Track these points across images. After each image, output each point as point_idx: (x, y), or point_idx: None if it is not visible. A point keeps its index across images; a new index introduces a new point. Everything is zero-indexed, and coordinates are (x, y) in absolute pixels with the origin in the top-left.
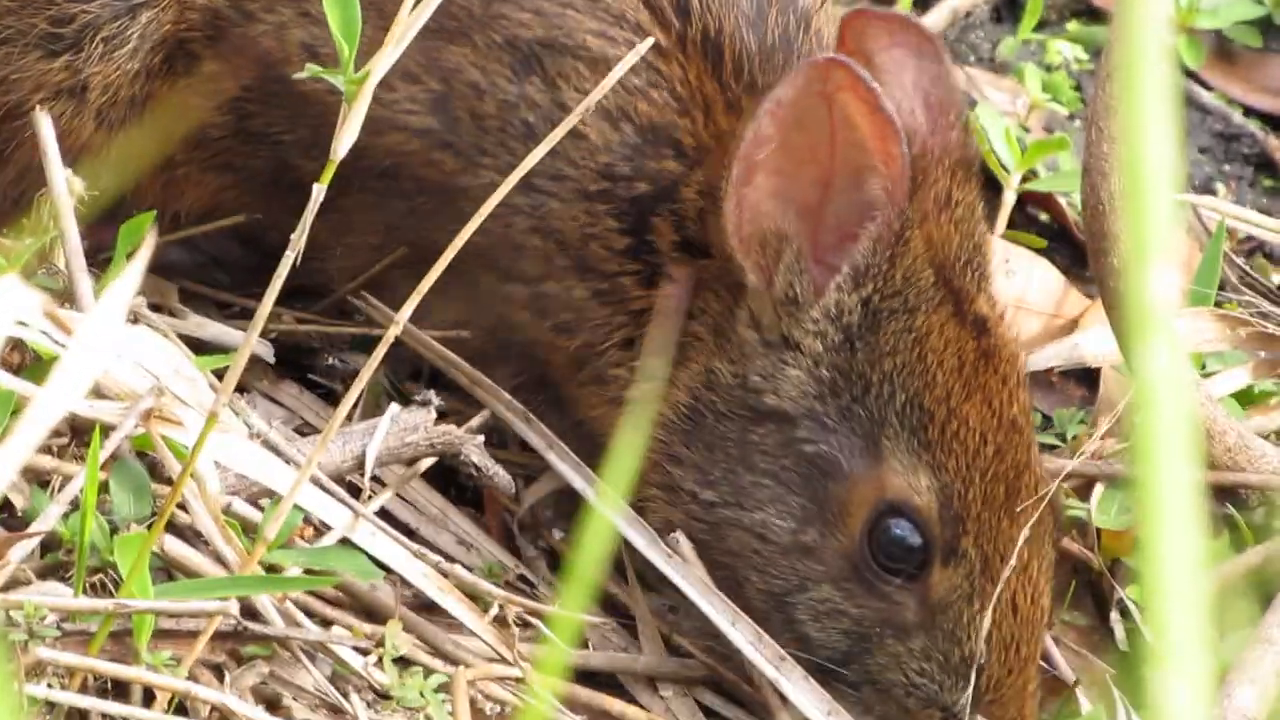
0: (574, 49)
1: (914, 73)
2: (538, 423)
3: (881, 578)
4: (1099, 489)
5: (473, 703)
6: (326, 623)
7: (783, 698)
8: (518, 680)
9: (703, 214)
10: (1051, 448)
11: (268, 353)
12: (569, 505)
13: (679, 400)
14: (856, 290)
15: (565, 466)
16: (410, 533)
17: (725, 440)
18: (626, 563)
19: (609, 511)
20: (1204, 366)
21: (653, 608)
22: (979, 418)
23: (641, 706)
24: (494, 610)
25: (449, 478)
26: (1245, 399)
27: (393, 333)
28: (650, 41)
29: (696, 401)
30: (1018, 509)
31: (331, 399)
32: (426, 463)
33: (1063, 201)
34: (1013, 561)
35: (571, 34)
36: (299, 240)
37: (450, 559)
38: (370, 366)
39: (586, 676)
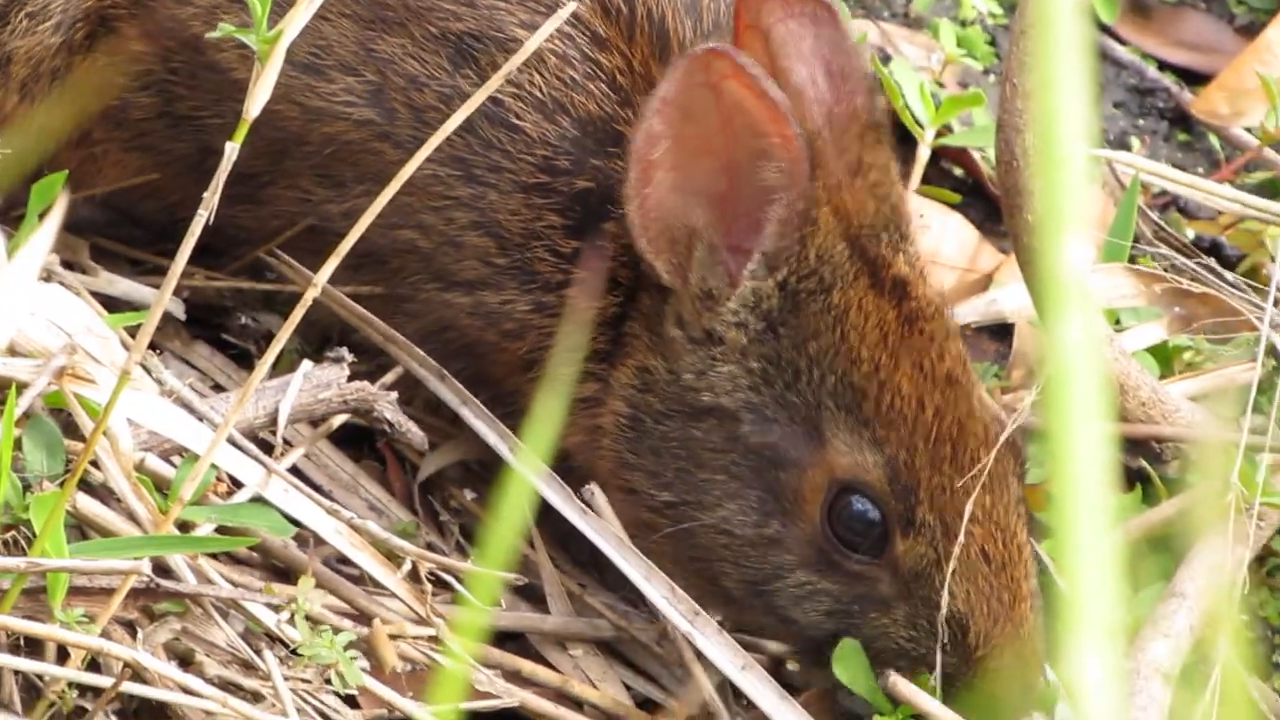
0: (504, 41)
1: (813, 41)
2: (452, 380)
3: (849, 557)
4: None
5: (383, 662)
6: (238, 581)
7: (697, 653)
8: (431, 639)
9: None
10: None
11: (179, 310)
12: (476, 470)
13: (618, 409)
14: (771, 275)
15: (480, 424)
16: (322, 495)
17: (670, 440)
18: (532, 525)
19: (526, 469)
20: (1118, 322)
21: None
22: (912, 384)
23: (551, 666)
24: (406, 567)
25: (360, 443)
26: (1160, 354)
27: (311, 293)
28: (571, 8)
29: (634, 409)
30: (968, 462)
31: (244, 360)
32: (339, 420)
33: (977, 156)
34: (966, 516)
35: (502, 27)
36: (211, 199)
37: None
38: (289, 324)
39: (495, 637)
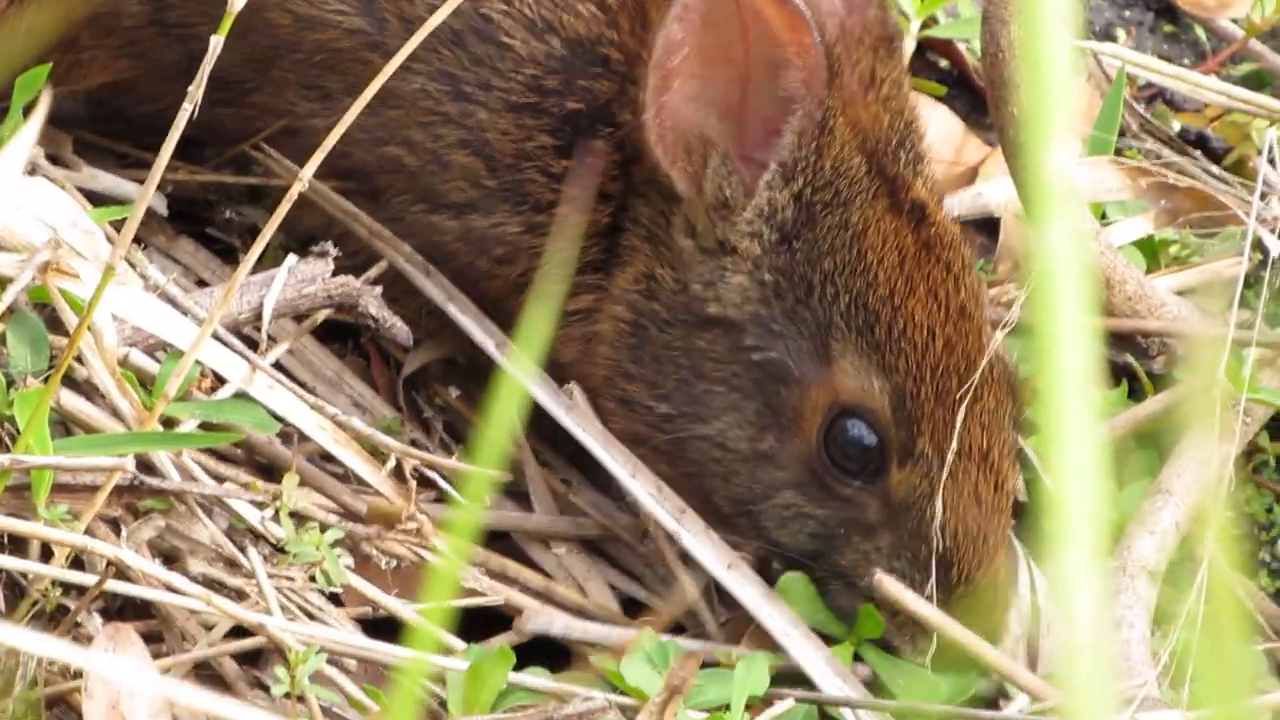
0: None
1: None
2: (438, 274)
3: (841, 480)
4: (998, 337)
5: (367, 558)
6: (223, 478)
7: (682, 553)
8: (416, 533)
9: (636, 130)
10: None
11: (162, 205)
12: (461, 367)
13: (620, 315)
14: (787, 186)
15: (466, 319)
16: (306, 392)
17: (672, 350)
18: (517, 424)
19: (514, 366)
20: (1104, 216)
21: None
22: (925, 312)
23: (535, 564)
24: (391, 464)
25: (344, 339)
26: (1146, 248)
27: (297, 187)
28: None
29: (638, 314)
30: (971, 401)
31: (228, 256)
32: (324, 315)
33: (962, 48)
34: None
35: None
36: (196, 93)
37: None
38: (275, 219)
39: (479, 535)
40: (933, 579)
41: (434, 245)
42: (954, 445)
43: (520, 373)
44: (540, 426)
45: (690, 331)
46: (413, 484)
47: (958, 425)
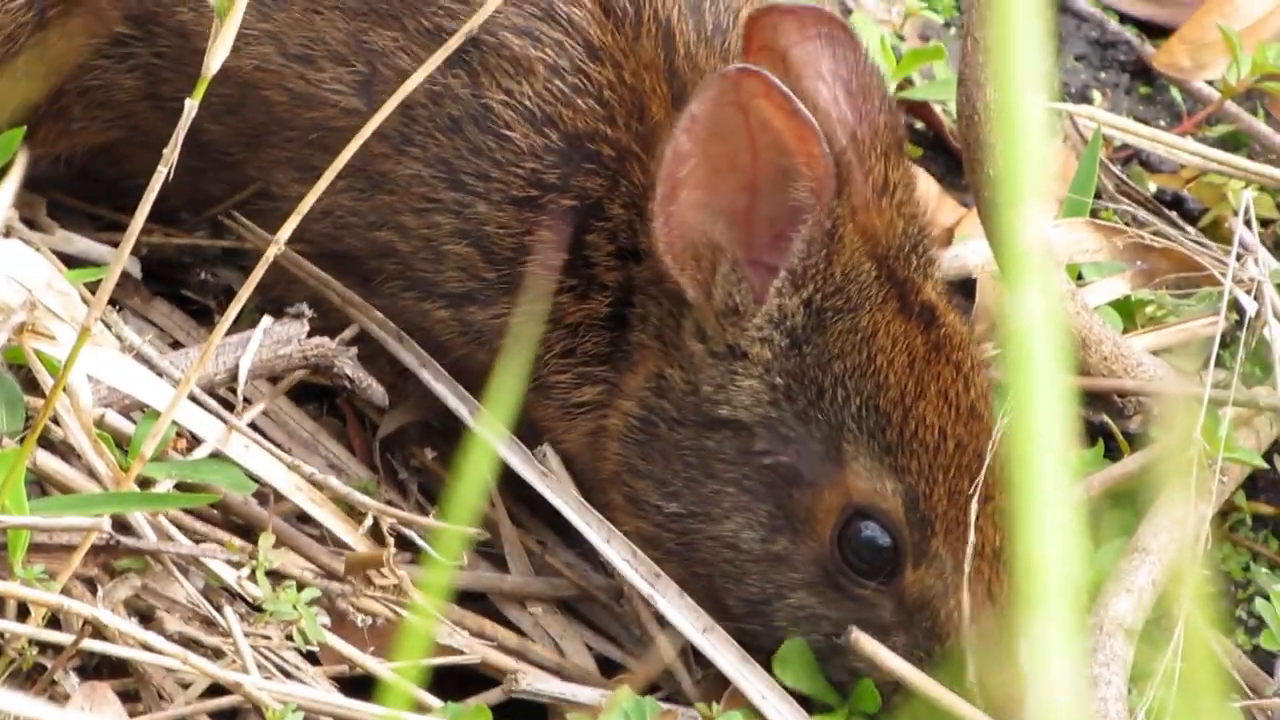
0: (495, 47)
1: (830, 62)
2: (410, 341)
3: (856, 581)
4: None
5: (343, 615)
6: (199, 537)
7: (658, 615)
8: (394, 590)
9: (632, 224)
10: None
11: (136, 268)
12: (437, 429)
13: (630, 410)
14: (797, 293)
15: (440, 386)
16: (282, 452)
17: (682, 449)
18: (492, 484)
19: (486, 431)
20: (1080, 276)
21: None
22: (936, 413)
23: (511, 624)
24: (368, 524)
25: (319, 401)
26: (1122, 308)
27: (273, 250)
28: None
29: (648, 411)
30: (985, 498)
31: (202, 317)
32: (299, 376)
33: (938, 110)
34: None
35: (493, 30)
36: (171, 155)
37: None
38: (251, 280)
39: (454, 597)
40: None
41: (427, 334)
42: (967, 545)
43: (493, 436)
44: (516, 488)
45: (700, 432)
46: (390, 541)
47: (971, 525)
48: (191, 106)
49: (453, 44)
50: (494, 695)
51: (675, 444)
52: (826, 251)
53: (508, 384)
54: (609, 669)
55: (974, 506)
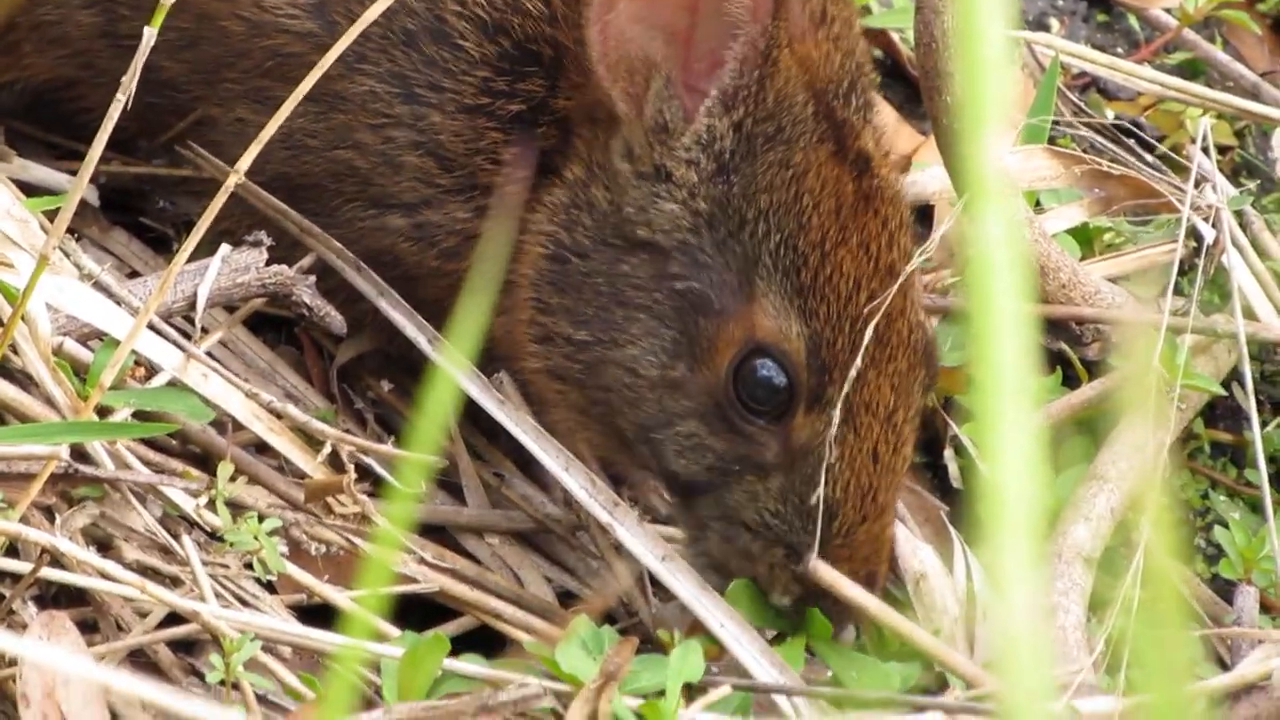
0: None
1: None
2: (368, 270)
3: (745, 417)
4: (933, 324)
5: (297, 544)
6: (157, 466)
7: (615, 545)
8: (355, 517)
9: (571, 109)
10: None
11: (94, 197)
12: (394, 360)
13: (539, 252)
14: (727, 114)
15: (398, 315)
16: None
17: (594, 277)
18: (450, 418)
19: (446, 361)
20: (1038, 203)
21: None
22: (854, 263)
23: (469, 554)
24: (326, 452)
25: (276, 330)
26: (1080, 236)
27: (233, 181)
28: None
29: (559, 247)
30: (885, 358)
31: (160, 246)
32: (257, 304)
33: (896, 38)
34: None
35: None
36: (130, 84)
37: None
38: (210, 210)
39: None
40: (807, 528)
41: (380, 250)
42: (861, 400)
43: (453, 366)
44: (473, 420)
45: (616, 255)
46: (350, 468)
47: (871, 380)
48: (150, 35)
49: None
50: (455, 626)
51: (588, 274)
52: (759, 74)
53: (470, 313)
54: (567, 601)
55: (861, 355)
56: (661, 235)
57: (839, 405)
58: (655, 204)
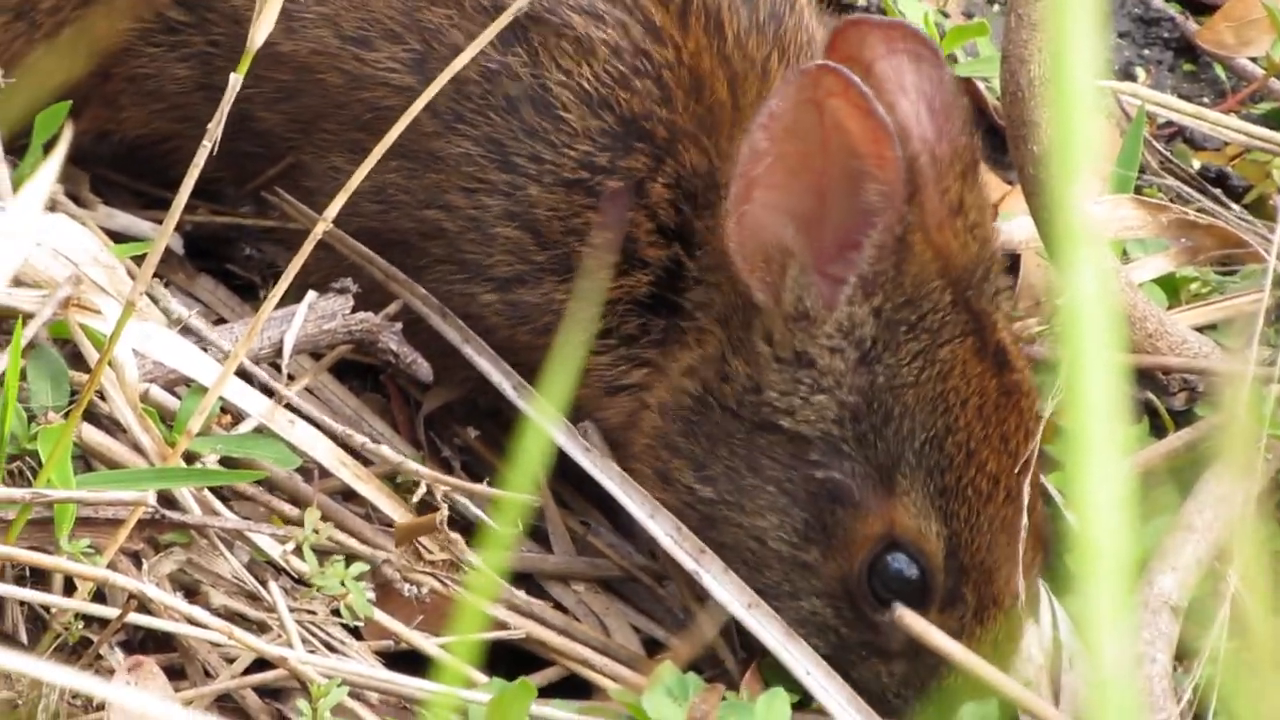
0: (558, 26)
1: (914, 77)
2: (454, 316)
3: (876, 609)
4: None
5: (389, 584)
6: (244, 513)
7: (702, 598)
8: (446, 566)
9: (674, 204)
10: None
11: (179, 245)
12: (478, 410)
13: (685, 387)
14: (867, 300)
15: (483, 361)
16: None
17: (731, 438)
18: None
19: (533, 406)
20: (1125, 253)
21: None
22: (996, 462)
23: (556, 602)
24: (418, 495)
25: (363, 378)
26: (1167, 285)
27: (321, 228)
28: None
29: (706, 392)
30: (1019, 551)
31: (247, 293)
32: (343, 351)
33: (981, 87)
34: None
35: (557, 10)
36: (215, 131)
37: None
38: (299, 258)
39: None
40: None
41: (468, 316)
42: (991, 594)
43: (542, 417)
44: (560, 468)
45: (754, 429)
46: (444, 510)
47: (1000, 574)
48: (236, 80)
49: (504, 20)
50: (541, 676)
51: (725, 432)
52: (896, 259)
53: (562, 365)
54: (653, 649)
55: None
56: (805, 426)
57: (973, 601)
58: (798, 392)
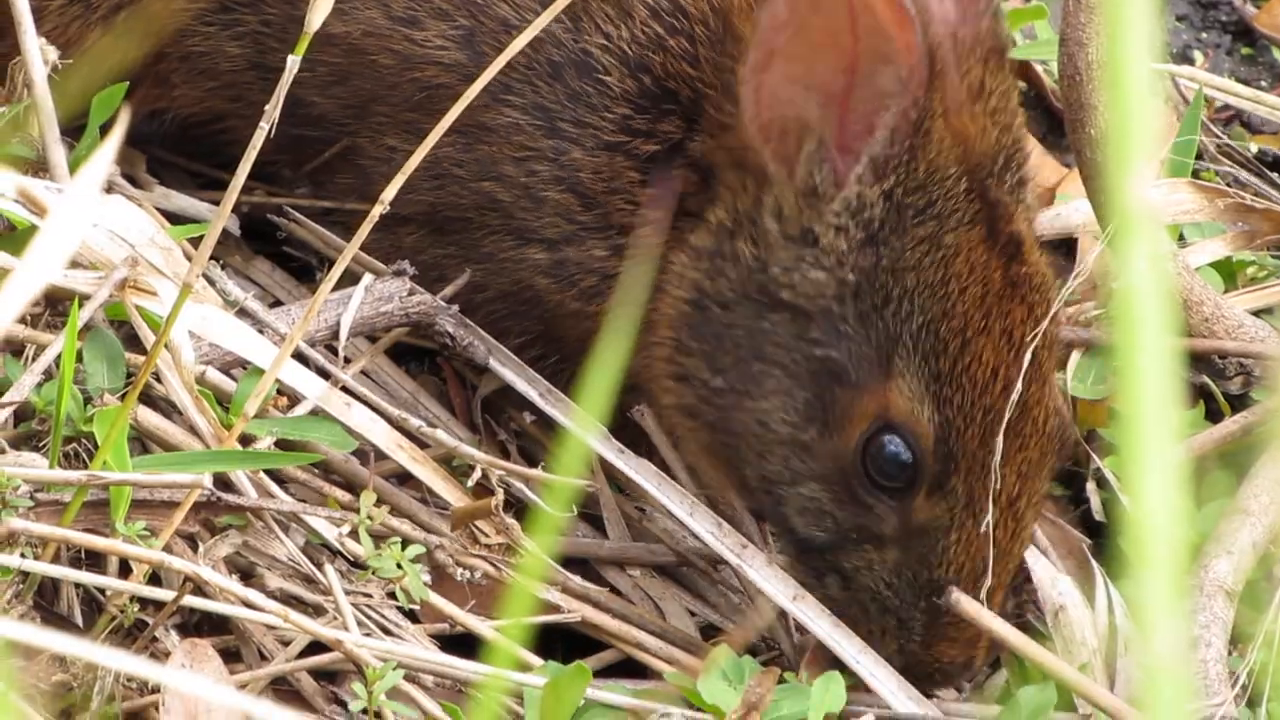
0: None
1: None
2: (479, 331)
3: (868, 490)
4: (1075, 357)
5: (442, 568)
6: (299, 496)
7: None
8: (500, 532)
9: (711, 152)
10: None
11: (234, 226)
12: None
13: (680, 296)
14: (878, 182)
15: (507, 371)
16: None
17: (735, 328)
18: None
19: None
20: (1181, 237)
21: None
22: (994, 352)
23: (611, 586)
24: (474, 478)
25: (420, 360)
26: (1223, 269)
27: (378, 210)
28: None
29: (700, 294)
30: (1016, 448)
31: (304, 275)
32: (399, 333)
33: (1040, 69)
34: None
35: None
36: (273, 113)
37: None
38: (357, 239)
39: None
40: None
41: (521, 285)
42: (984, 489)
43: (582, 422)
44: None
45: (759, 310)
46: (500, 493)
47: (993, 470)
48: (294, 62)
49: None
50: (596, 660)
51: (729, 323)
52: (910, 144)
53: (605, 361)
54: (708, 633)
55: (998, 448)
56: (805, 300)
57: (963, 492)
58: (801, 268)
